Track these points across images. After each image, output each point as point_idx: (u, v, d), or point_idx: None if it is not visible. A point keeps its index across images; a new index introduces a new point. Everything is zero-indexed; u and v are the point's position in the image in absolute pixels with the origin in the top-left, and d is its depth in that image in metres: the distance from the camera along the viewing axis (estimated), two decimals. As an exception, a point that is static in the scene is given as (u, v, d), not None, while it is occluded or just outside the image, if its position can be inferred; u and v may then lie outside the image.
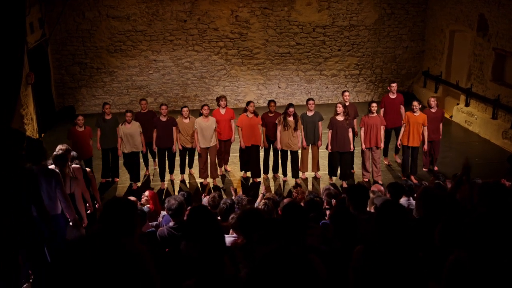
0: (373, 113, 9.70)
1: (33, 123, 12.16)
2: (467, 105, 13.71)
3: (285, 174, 10.31)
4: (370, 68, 16.13)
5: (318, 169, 10.40)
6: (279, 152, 10.06)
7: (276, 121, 9.75)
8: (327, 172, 10.33)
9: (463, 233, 3.27)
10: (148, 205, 7.07)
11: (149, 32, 15.08)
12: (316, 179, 10.41)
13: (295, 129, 9.66)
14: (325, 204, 6.89)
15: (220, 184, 10.17)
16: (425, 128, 9.79)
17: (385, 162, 11.07)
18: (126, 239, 2.71)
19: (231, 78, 15.74)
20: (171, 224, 4.93)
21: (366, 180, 10.02)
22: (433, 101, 10.12)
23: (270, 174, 10.57)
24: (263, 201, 5.94)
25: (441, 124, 10.17)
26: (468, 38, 13.81)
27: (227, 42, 15.48)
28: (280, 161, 10.22)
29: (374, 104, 9.74)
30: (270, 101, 10.04)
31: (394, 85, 10.70)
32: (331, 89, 16.21)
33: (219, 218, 5.79)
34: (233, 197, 6.63)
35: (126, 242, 2.52)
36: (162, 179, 10.10)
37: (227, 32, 15.38)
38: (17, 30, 8.82)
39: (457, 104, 14.22)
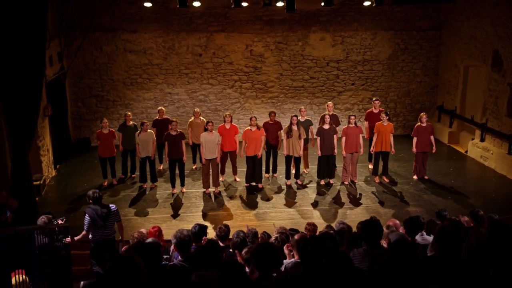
0: (351, 124, 11.30)
1: (49, 155, 12.30)
2: (482, 140, 13.58)
3: (288, 177, 11.71)
4: (384, 102, 16.12)
5: (307, 166, 12.62)
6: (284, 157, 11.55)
7: (282, 131, 11.45)
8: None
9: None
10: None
11: (165, 65, 15.33)
12: (305, 173, 12.46)
13: (299, 137, 11.18)
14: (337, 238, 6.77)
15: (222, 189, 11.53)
16: (391, 135, 11.48)
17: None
18: None
19: (245, 111, 15.85)
20: (180, 258, 4.95)
21: (346, 183, 11.70)
22: (424, 117, 11.48)
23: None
24: (274, 235, 5.88)
25: (431, 137, 11.57)
26: (482, 73, 13.79)
27: (242, 76, 15.66)
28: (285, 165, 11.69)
29: (353, 117, 11.35)
30: (270, 112, 11.76)
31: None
32: (344, 123, 16.12)
33: (231, 250, 5.74)
34: (246, 231, 6.58)
35: None
36: (173, 186, 11.40)
37: (242, 66, 15.58)
38: (36, 63, 9.02)
39: (472, 139, 14.10)
